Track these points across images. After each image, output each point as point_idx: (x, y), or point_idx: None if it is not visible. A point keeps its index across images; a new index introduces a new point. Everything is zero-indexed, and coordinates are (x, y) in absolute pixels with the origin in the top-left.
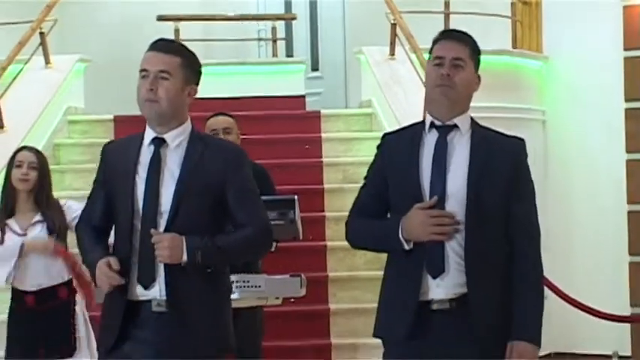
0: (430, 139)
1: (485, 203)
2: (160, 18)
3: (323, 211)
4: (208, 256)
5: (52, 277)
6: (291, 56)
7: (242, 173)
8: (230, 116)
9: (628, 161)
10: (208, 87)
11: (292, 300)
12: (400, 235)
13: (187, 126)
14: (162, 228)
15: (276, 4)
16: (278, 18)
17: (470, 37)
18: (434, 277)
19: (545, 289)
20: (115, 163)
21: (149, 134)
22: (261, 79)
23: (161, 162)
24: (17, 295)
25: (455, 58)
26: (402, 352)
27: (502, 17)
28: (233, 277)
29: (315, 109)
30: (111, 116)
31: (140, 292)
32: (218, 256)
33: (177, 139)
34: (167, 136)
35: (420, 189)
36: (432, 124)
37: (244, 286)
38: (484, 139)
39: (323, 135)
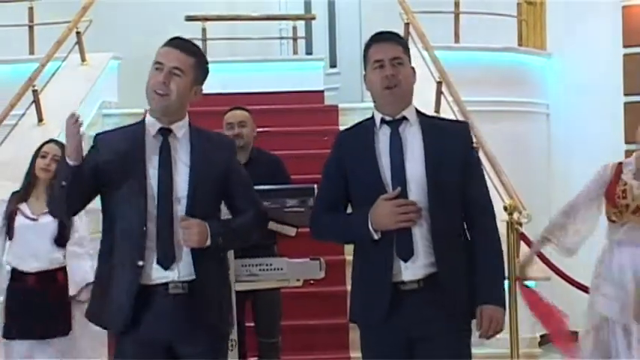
0: (383, 133)
1: (445, 186)
2: (188, 18)
3: None
4: (227, 241)
5: (51, 262)
6: (311, 54)
7: (237, 162)
8: (246, 110)
9: (627, 151)
10: (233, 82)
11: (312, 282)
12: (370, 226)
13: (187, 119)
14: (180, 213)
15: (296, 4)
16: (298, 18)
17: (397, 34)
18: (405, 261)
19: (549, 271)
20: (116, 152)
21: (154, 125)
22: (283, 75)
23: (171, 150)
24: (17, 275)
25: (394, 57)
26: (380, 333)
27: (508, 17)
28: (256, 261)
29: (333, 103)
30: (142, 110)
31: (156, 275)
32: (234, 241)
33: (181, 130)
34: (174, 127)
35: (381, 181)
36: (383, 120)
37: (267, 269)
38: (433, 126)
39: (341, 127)
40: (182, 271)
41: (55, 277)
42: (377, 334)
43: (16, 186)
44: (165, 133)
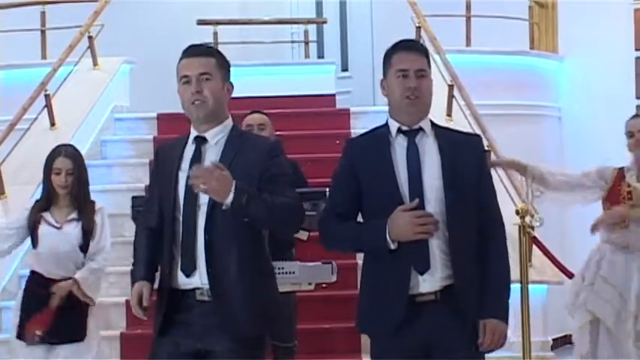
0: (399, 144)
1: (462, 198)
2: (200, 22)
3: None
4: (252, 203)
5: (72, 269)
6: (322, 57)
7: (277, 160)
8: (265, 114)
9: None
10: (245, 86)
11: (324, 285)
12: (387, 236)
13: (228, 123)
14: (201, 220)
15: (308, 8)
16: (310, 22)
17: (423, 46)
18: (421, 274)
19: (561, 275)
20: (164, 161)
21: (193, 134)
22: (295, 79)
23: (201, 158)
24: (40, 281)
25: (418, 70)
26: (392, 344)
27: (520, 20)
28: None
29: (345, 106)
30: (154, 114)
31: (182, 282)
32: (259, 208)
33: (217, 136)
34: (208, 135)
35: (398, 192)
36: (399, 130)
37: (279, 273)
38: (447, 138)
39: (352, 131)
40: (202, 276)
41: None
42: (392, 343)
43: (29, 189)
44: (199, 141)
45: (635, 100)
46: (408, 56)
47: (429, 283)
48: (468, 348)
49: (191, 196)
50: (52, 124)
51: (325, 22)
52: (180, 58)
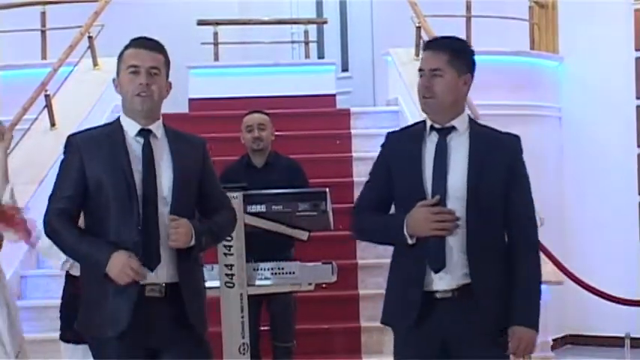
0: (430, 140)
1: (484, 200)
2: (200, 22)
3: (353, 202)
4: (209, 240)
5: None
6: (323, 58)
7: (210, 161)
8: (265, 114)
9: (639, 155)
10: (245, 86)
11: (324, 286)
12: (405, 231)
13: (161, 119)
14: (164, 213)
15: (308, 9)
16: (310, 22)
17: (451, 42)
18: (435, 272)
19: (562, 275)
20: (98, 156)
21: (132, 126)
22: (295, 79)
23: (152, 151)
24: (71, 279)
25: (432, 69)
26: (411, 338)
27: (520, 20)
28: (268, 265)
29: (345, 107)
30: None
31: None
32: (214, 240)
33: (159, 130)
34: (153, 127)
35: (422, 187)
36: (432, 127)
37: (279, 273)
38: (482, 137)
39: (352, 131)
40: (160, 273)
41: None
42: (410, 339)
43: (29, 189)
44: (145, 134)
45: (635, 100)
46: (426, 55)
47: (445, 281)
48: (486, 345)
49: (151, 190)
50: (52, 124)
51: (325, 23)
52: (128, 47)
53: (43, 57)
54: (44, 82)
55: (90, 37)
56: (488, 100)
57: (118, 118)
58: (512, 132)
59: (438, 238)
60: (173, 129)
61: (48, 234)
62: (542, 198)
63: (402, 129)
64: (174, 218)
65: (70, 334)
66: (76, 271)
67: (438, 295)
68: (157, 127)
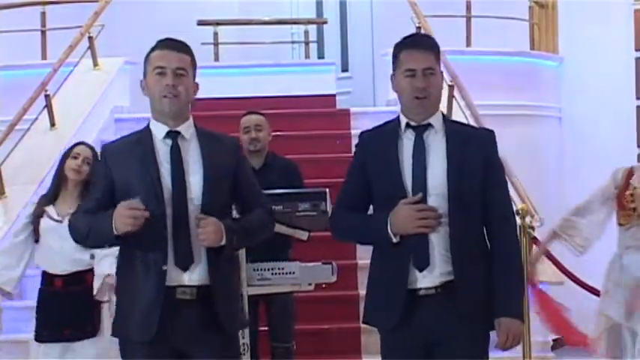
0: (407, 138)
1: (466, 195)
2: (200, 22)
3: None
4: (241, 239)
5: (78, 263)
6: (323, 58)
7: (245, 161)
8: (262, 114)
9: (639, 155)
10: (245, 86)
11: (324, 286)
12: (389, 229)
13: (192, 120)
14: (193, 214)
15: (308, 9)
16: (310, 22)
17: (432, 40)
18: (420, 271)
19: (563, 276)
20: (124, 161)
21: (160, 129)
22: (295, 79)
23: (181, 152)
24: (47, 279)
25: (426, 68)
26: (396, 339)
27: (520, 20)
28: (268, 265)
29: (345, 107)
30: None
31: (174, 277)
32: (246, 239)
33: (188, 130)
34: (181, 129)
35: (402, 186)
36: (408, 125)
37: (279, 273)
38: (457, 133)
39: (352, 131)
40: (192, 275)
41: (83, 279)
42: (395, 338)
43: (29, 189)
44: (173, 135)
45: (635, 101)
46: (415, 55)
47: (428, 278)
48: (468, 342)
49: (181, 192)
50: (52, 124)
51: (325, 23)
52: (154, 48)
53: (43, 57)
54: (44, 82)
55: (90, 37)
56: (488, 100)
57: (148, 124)
58: (513, 132)
59: (421, 235)
60: (205, 129)
61: (71, 234)
62: (541, 199)
63: (376, 128)
64: (201, 217)
65: (46, 333)
66: (52, 269)
67: (421, 293)
68: (186, 128)
